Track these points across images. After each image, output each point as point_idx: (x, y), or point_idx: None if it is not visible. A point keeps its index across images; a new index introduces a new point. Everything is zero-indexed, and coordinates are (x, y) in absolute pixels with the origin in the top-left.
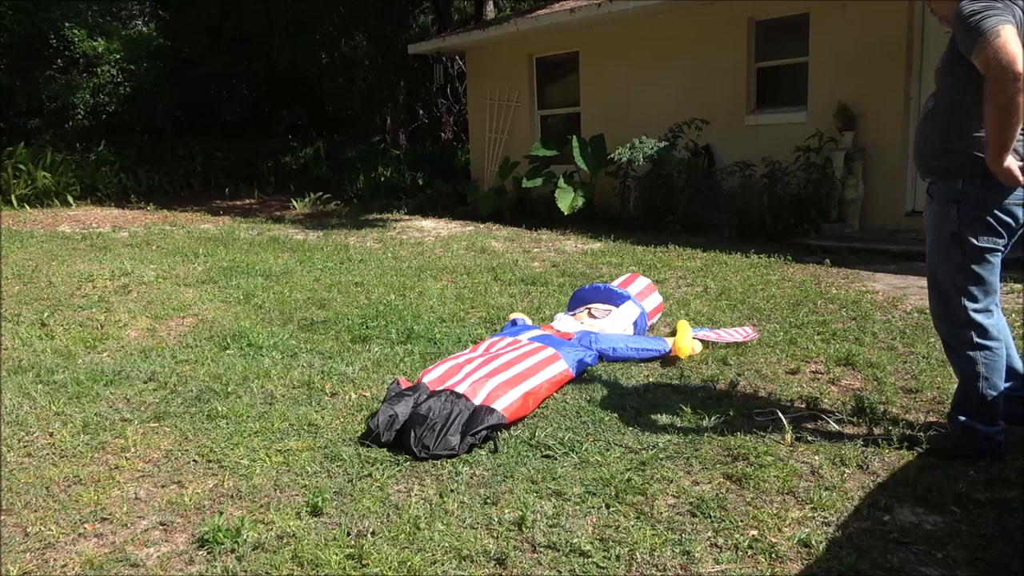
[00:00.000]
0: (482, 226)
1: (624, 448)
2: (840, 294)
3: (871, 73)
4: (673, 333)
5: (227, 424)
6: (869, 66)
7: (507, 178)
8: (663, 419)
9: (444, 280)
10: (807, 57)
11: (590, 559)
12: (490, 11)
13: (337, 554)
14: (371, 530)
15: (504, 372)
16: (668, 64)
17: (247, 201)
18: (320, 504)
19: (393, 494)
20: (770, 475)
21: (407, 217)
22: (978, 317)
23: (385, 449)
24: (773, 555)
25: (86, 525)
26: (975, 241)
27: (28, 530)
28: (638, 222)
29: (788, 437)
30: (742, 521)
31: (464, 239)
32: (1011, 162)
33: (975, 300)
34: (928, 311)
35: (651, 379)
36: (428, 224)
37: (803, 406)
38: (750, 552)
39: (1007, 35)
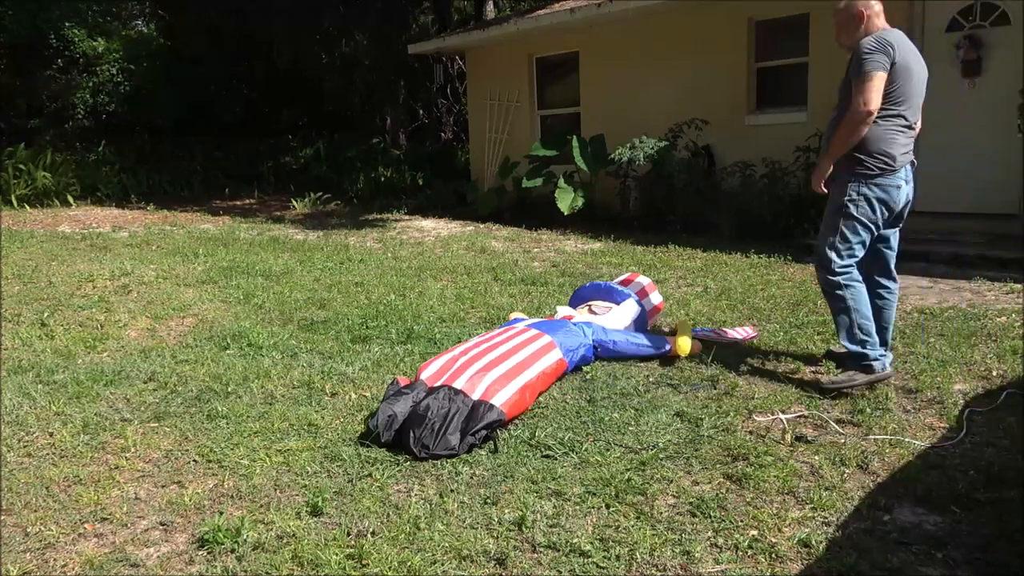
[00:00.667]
0: (482, 226)
1: (624, 448)
2: None
3: None
4: (673, 332)
5: (227, 424)
6: None
7: (507, 178)
8: (663, 419)
9: (444, 280)
10: (807, 57)
11: (590, 559)
12: (490, 11)
13: (337, 554)
14: (371, 530)
15: (501, 364)
16: (668, 64)
17: (247, 201)
18: (320, 504)
19: (393, 494)
20: (770, 475)
21: (407, 217)
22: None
23: (385, 449)
24: (773, 555)
25: (86, 525)
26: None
27: (28, 530)
28: (638, 222)
29: (788, 437)
30: (742, 521)
31: (464, 239)
32: (824, 168)
33: (840, 256)
34: (926, 310)
35: (651, 379)
36: (428, 224)
37: (803, 406)
38: (750, 552)
39: (876, 81)
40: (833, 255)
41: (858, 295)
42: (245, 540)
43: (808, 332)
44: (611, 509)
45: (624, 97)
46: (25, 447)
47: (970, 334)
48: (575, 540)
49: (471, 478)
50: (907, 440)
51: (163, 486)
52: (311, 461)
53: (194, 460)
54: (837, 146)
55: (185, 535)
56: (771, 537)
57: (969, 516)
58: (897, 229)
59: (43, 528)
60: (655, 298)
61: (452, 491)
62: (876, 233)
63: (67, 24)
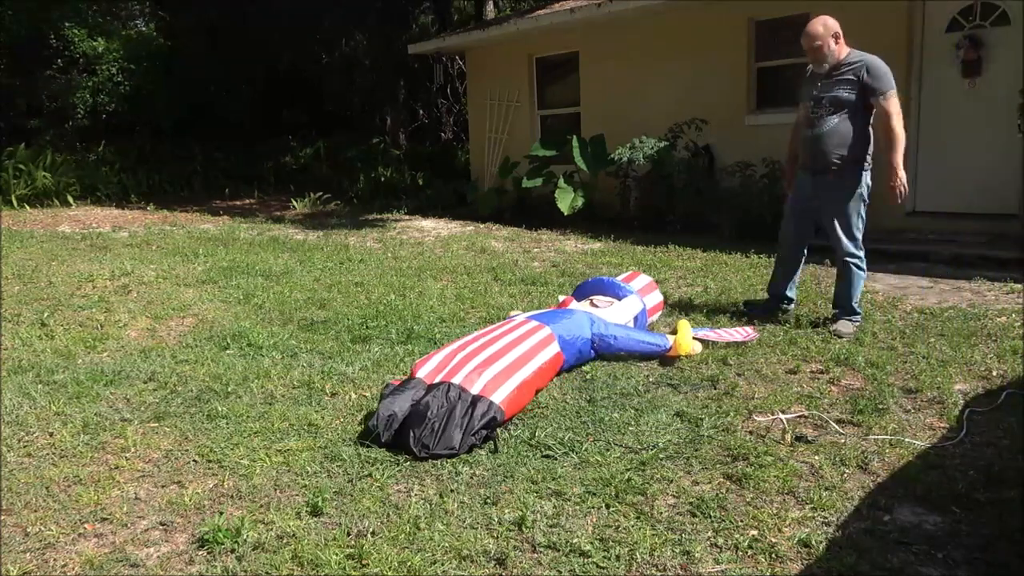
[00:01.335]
0: (482, 226)
1: (624, 448)
2: None
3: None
4: (673, 332)
5: (227, 424)
6: None
7: (507, 178)
8: (663, 419)
9: (444, 280)
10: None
11: (590, 559)
12: (490, 11)
13: (337, 554)
14: (371, 530)
15: (500, 360)
16: (668, 64)
17: (247, 201)
18: (320, 504)
19: (393, 494)
20: (770, 475)
21: (407, 217)
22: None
23: (385, 449)
24: (773, 555)
25: (86, 525)
26: None
27: (28, 530)
28: (638, 222)
29: (788, 437)
30: (742, 521)
31: (464, 239)
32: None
33: (860, 234)
34: (926, 310)
35: (651, 379)
36: (428, 224)
37: (803, 406)
38: (750, 552)
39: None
40: (858, 235)
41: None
42: (245, 540)
43: (808, 332)
44: (611, 509)
45: (624, 97)
46: (25, 447)
47: (970, 334)
48: (575, 540)
49: (471, 478)
50: (907, 440)
51: (163, 486)
52: (311, 461)
53: (194, 460)
54: (902, 153)
55: (185, 535)
56: (771, 537)
57: (969, 516)
58: None
59: (43, 528)
60: (655, 297)
61: (452, 491)
62: None
63: (67, 24)
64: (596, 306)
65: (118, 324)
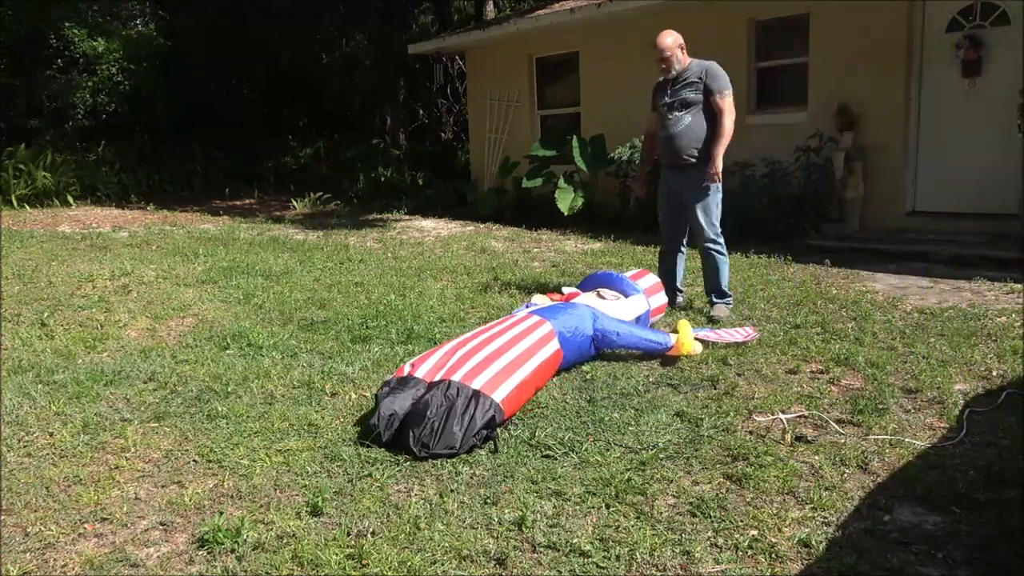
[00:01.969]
0: (482, 226)
1: (624, 448)
2: (840, 294)
3: (871, 73)
4: (674, 332)
5: (227, 424)
6: (869, 66)
7: (507, 178)
8: (663, 419)
9: (444, 280)
10: (807, 57)
11: (590, 559)
12: (490, 11)
13: (337, 554)
14: (371, 530)
15: (500, 358)
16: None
17: (247, 201)
18: (320, 504)
19: (393, 494)
20: (770, 475)
21: (407, 217)
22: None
23: (385, 449)
24: (773, 555)
25: (86, 525)
26: None
27: (28, 530)
28: (638, 222)
29: (788, 437)
30: (742, 521)
31: (464, 239)
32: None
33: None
34: (926, 310)
35: (651, 379)
36: (428, 224)
37: (803, 406)
38: (750, 552)
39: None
40: (717, 223)
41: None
42: (245, 540)
43: (808, 332)
44: (611, 509)
45: (624, 97)
46: (25, 447)
47: (970, 334)
48: (575, 540)
49: (471, 478)
50: (907, 440)
51: (163, 486)
52: (311, 461)
53: (194, 460)
54: (725, 147)
55: (185, 535)
56: (771, 537)
57: (969, 516)
58: None
59: (43, 528)
60: (660, 299)
61: (452, 491)
62: None
63: (67, 24)
64: (603, 298)
65: (118, 324)
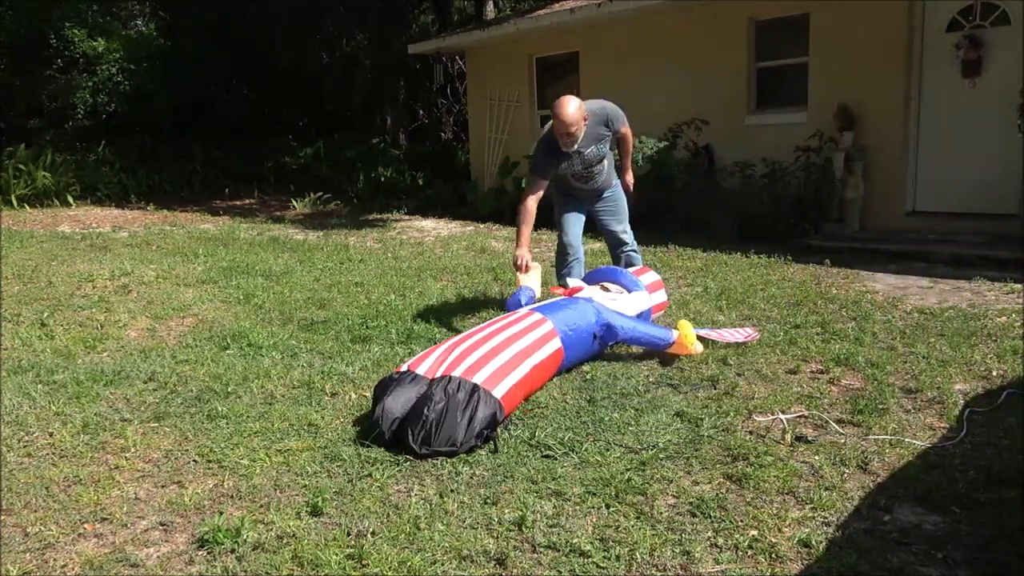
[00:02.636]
0: (482, 226)
1: (624, 448)
2: (840, 294)
3: (871, 73)
4: (675, 330)
5: (227, 424)
6: (869, 66)
7: (507, 178)
8: (663, 419)
9: (444, 280)
10: (807, 57)
11: (590, 559)
12: (490, 11)
13: (337, 554)
14: (371, 530)
15: (499, 356)
16: (668, 64)
17: (247, 201)
18: (320, 504)
19: (393, 494)
20: (770, 475)
21: (407, 217)
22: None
23: (385, 449)
24: (773, 555)
25: (86, 525)
26: None
27: (28, 530)
28: (638, 222)
29: (788, 437)
30: (742, 521)
31: (464, 239)
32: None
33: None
34: (926, 310)
35: (651, 379)
36: (428, 224)
37: (803, 406)
38: (750, 552)
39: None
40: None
41: None
42: (245, 540)
43: (808, 332)
44: (611, 509)
45: (624, 97)
46: (25, 447)
47: (970, 334)
48: (575, 540)
49: (471, 478)
50: (907, 440)
51: (163, 486)
52: (311, 461)
53: (194, 460)
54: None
55: (185, 535)
56: (771, 537)
57: (969, 516)
58: None
59: (43, 528)
60: (660, 296)
61: (452, 491)
62: None
63: (67, 24)
64: (607, 290)
65: (118, 324)
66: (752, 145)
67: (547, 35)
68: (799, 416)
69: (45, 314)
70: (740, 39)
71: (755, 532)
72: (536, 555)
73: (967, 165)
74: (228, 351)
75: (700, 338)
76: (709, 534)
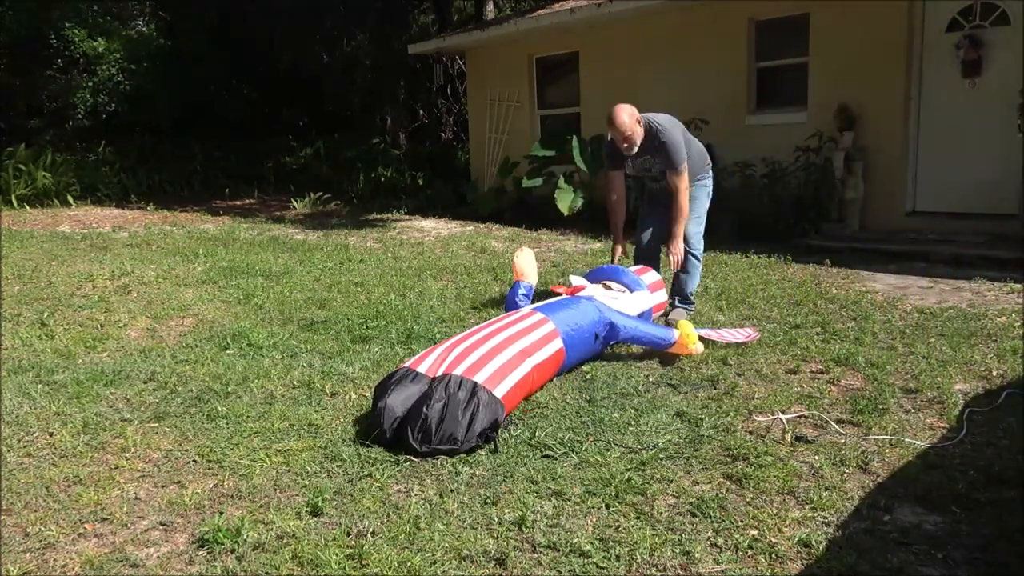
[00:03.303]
0: (482, 226)
1: (624, 448)
2: (840, 294)
3: (871, 73)
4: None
5: (227, 424)
6: (869, 66)
7: (507, 178)
8: (663, 419)
9: (444, 280)
10: (807, 57)
11: (590, 559)
12: (490, 11)
13: (337, 554)
14: (371, 530)
15: (500, 355)
16: (668, 64)
17: (247, 201)
18: (320, 504)
19: (393, 494)
20: (770, 475)
21: (407, 217)
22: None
23: (385, 449)
24: (773, 555)
25: (86, 525)
26: None
27: (28, 530)
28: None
29: (788, 437)
30: (742, 521)
31: (464, 239)
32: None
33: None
34: (926, 310)
35: (651, 379)
36: (428, 224)
37: (803, 406)
38: (750, 552)
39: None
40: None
41: None
42: (245, 540)
43: (808, 332)
44: (611, 509)
45: (624, 97)
46: (25, 447)
47: (970, 334)
48: (575, 540)
49: (471, 478)
50: (907, 440)
51: (163, 486)
52: (311, 461)
53: (194, 460)
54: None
55: (185, 535)
56: (771, 537)
57: (969, 516)
58: None
59: (43, 528)
60: (660, 296)
61: (452, 491)
62: None
63: (67, 24)
64: (609, 288)
65: (118, 324)
66: (752, 145)
67: (547, 35)
68: (799, 416)
69: (45, 314)
70: (740, 39)
71: (755, 532)
72: (536, 555)
73: (967, 165)
74: (228, 351)
75: (700, 338)
76: (709, 534)
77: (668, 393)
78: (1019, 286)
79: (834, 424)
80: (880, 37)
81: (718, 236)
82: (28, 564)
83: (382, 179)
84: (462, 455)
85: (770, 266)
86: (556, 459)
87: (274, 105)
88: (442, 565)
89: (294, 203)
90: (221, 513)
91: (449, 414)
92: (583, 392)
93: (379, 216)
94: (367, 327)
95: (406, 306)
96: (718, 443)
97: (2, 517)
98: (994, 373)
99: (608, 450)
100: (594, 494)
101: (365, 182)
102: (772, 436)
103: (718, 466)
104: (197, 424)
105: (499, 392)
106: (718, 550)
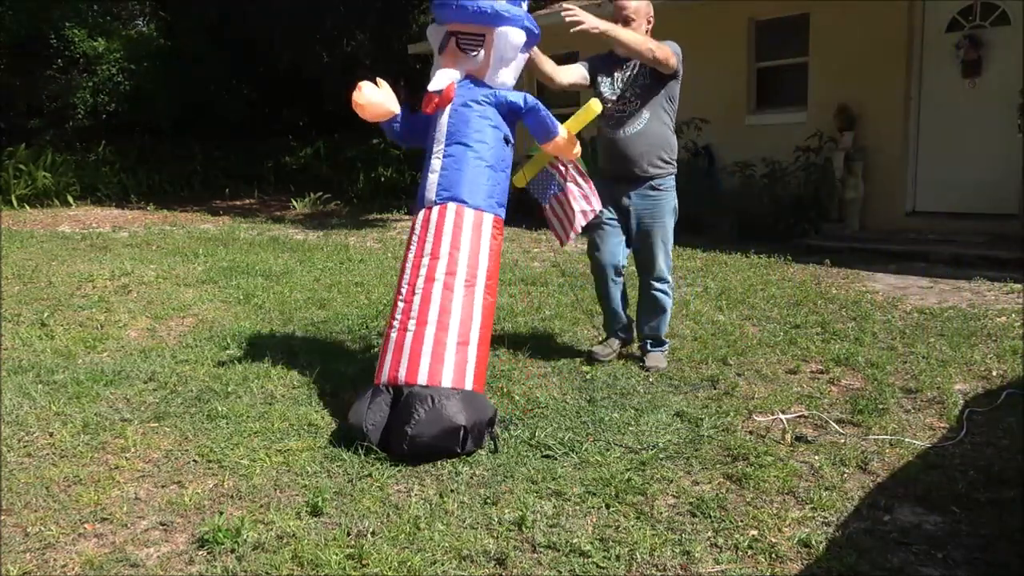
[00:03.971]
0: None
1: (624, 448)
2: (840, 294)
3: (871, 73)
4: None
5: (227, 424)
6: (869, 66)
7: None
8: (663, 419)
9: None
10: (807, 57)
11: (590, 559)
12: None
13: (337, 554)
14: (371, 530)
15: (449, 330)
16: None
17: (247, 201)
18: (320, 504)
19: (393, 494)
20: (770, 475)
21: (407, 217)
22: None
23: (384, 449)
24: (773, 555)
25: (86, 525)
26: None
27: (28, 530)
28: None
29: (788, 437)
30: (742, 521)
31: None
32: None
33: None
34: (926, 310)
35: (651, 379)
36: None
37: (803, 406)
38: (750, 552)
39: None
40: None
41: None
42: (245, 540)
43: (808, 332)
44: (611, 509)
45: None
46: (25, 447)
47: (970, 334)
48: (575, 540)
49: (471, 478)
50: (907, 440)
51: (163, 486)
52: (311, 461)
53: (194, 460)
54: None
55: (185, 535)
56: (771, 537)
57: (969, 516)
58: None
59: (43, 528)
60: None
61: (452, 491)
62: None
63: (67, 24)
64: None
65: (118, 324)
66: (752, 145)
67: (547, 35)
68: (799, 416)
69: (45, 314)
70: (740, 39)
71: (755, 532)
72: (536, 555)
73: (967, 165)
74: (228, 351)
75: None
76: (709, 534)
77: (668, 393)
78: (1019, 286)
79: (834, 424)
80: (880, 37)
81: (718, 236)
82: (28, 564)
83: (382, 179)
84: (462, 456)
85: (770, 266)
86: (556, 459)
87: (274, 105)
88: (442, 565)
89: (294, 203)
90: (221, 513)
91: (436, 426)
92: (583, 392)
93: (379, 216)
94: (367, 327)
95: None
96: (718, 443)
97: (2, 517)
98: (994, 373)
99: (608, 450)
100: (594, 494)
101: (365, 182)
102: (772, 436)
103: (718, 466)
104: (197, 424)
105: (470, 383)
106: (718, 550)
